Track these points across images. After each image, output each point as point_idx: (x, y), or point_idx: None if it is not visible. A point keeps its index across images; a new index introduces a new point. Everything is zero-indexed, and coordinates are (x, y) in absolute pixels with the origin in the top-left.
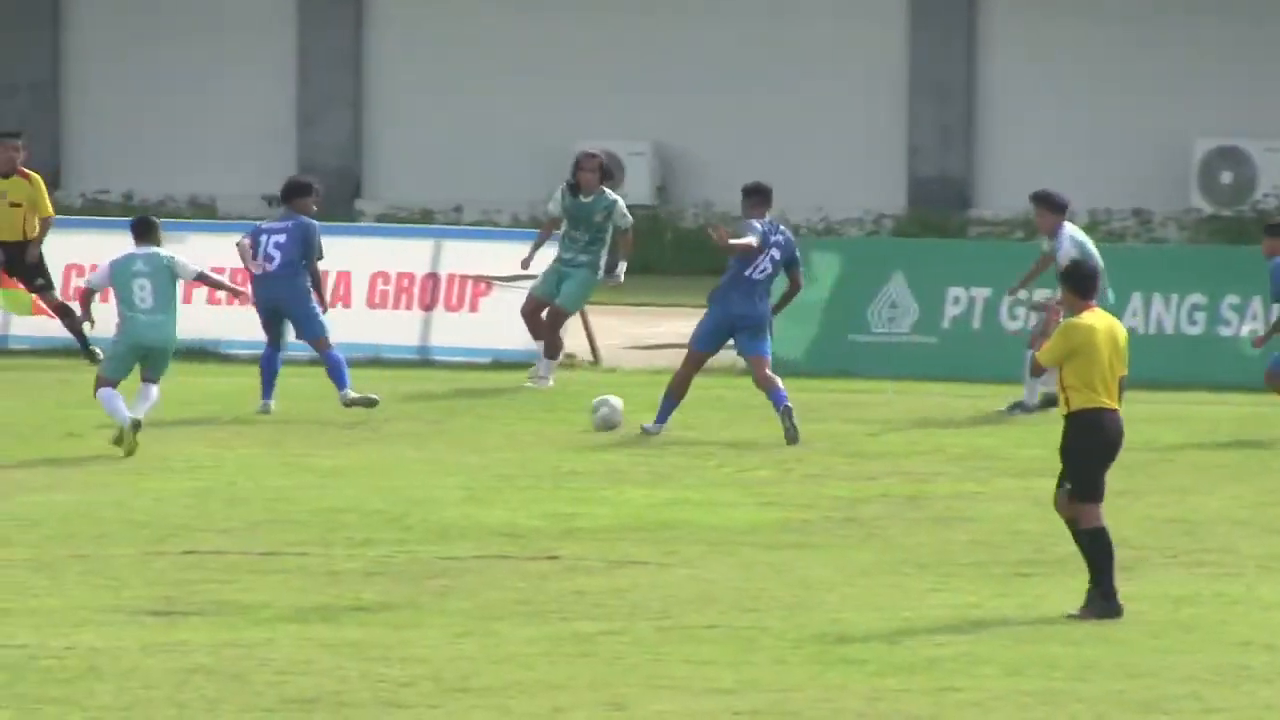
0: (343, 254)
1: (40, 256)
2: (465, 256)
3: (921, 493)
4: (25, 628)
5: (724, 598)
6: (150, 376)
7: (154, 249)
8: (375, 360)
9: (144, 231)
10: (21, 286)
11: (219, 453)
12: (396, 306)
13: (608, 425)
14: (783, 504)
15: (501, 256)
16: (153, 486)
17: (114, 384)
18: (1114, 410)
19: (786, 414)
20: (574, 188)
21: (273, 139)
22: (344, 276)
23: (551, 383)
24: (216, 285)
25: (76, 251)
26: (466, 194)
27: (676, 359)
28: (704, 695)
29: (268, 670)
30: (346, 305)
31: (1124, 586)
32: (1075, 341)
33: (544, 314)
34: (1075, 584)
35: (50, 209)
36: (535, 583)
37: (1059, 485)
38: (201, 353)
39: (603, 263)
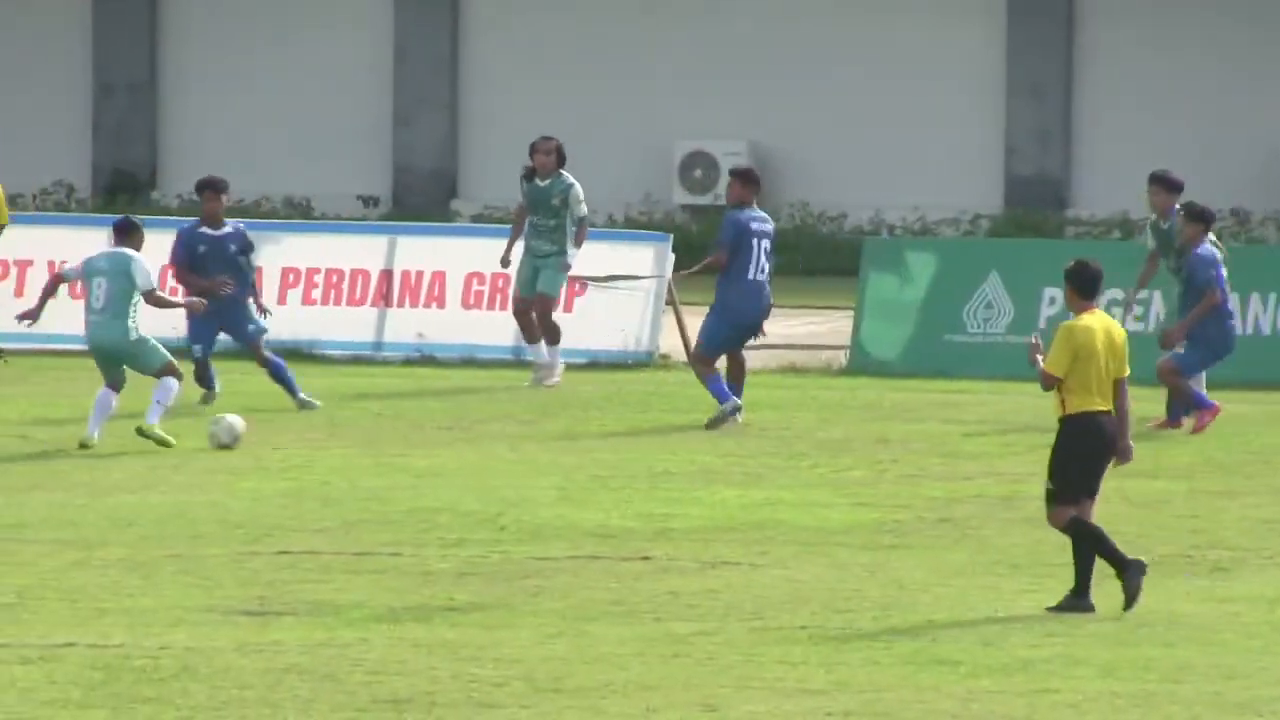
0: (438, 254)
1: None
2: None
3: (1016, 493)
4: (120, 627)
5: (817, 598)
6: (146, 374)
7: (123, 250)
8: (469, 360)
9: (123, 231)
10: None
11: (313, 453)
12: (491, 307)
13: (217, 443)
14: (876, 504)
15: (597, 257)
16: (247, 487)
17: (110, 385)
18: (1108, 412)
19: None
20: (531, 172)
21: (368, 140)
22: (439, 276)
23: (558, 377)
24: (165, 304)
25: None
26: None
27: (770, 358)
28: (796, 696)
29: (361, 670)
30: (441, 306)
31: (1220, 587)
32: (1077, 342)
33: (533, 313)
34: (1171, 584)
35: (5, 217)
36: (628, 583)
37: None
38: (296, 353)
39: (570, 248)
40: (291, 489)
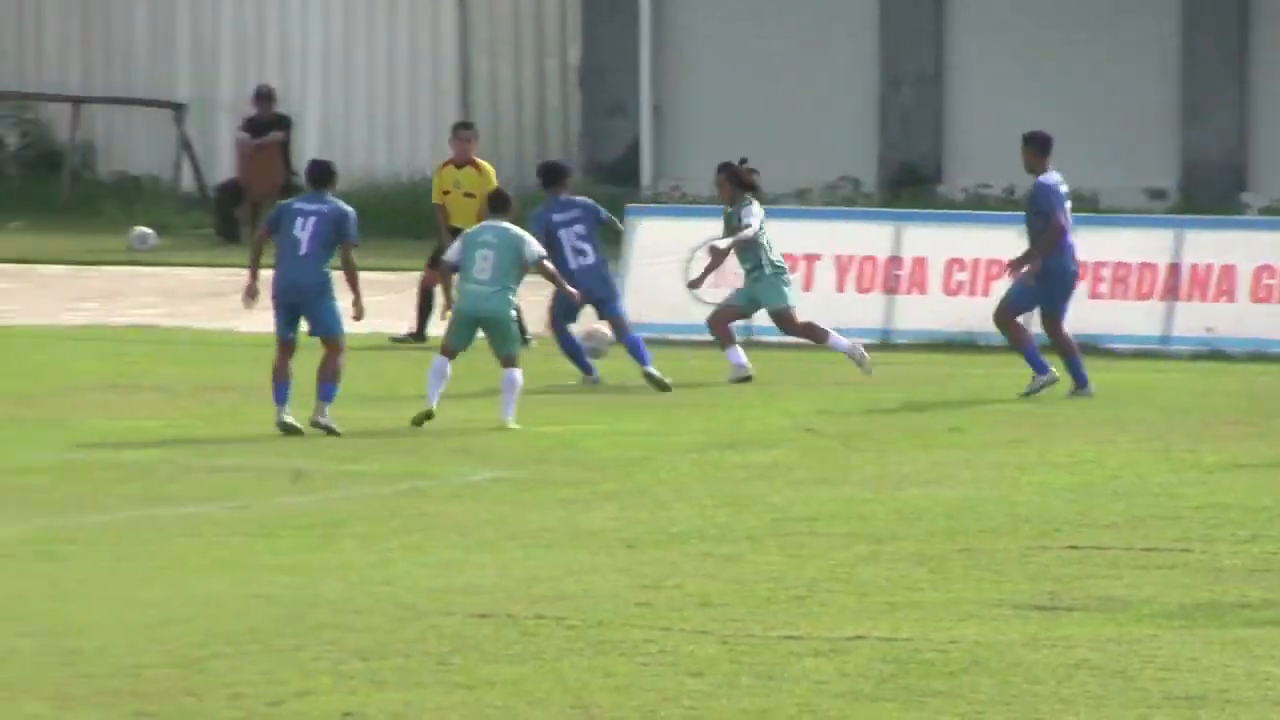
0: (1227, 247)
1: None
2: None
3: None
4: (909, 621)
5: None
6: (498, 355)
7: (505, 224)
8: (1259, 355)
9: (498, 205)
10: None
11: (1102, 448)
12: None
13: (595, 354)
14: None
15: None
16: (1035, 481)
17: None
18: None
19: None
20: None
21: (1157, 133)
22: (1228, 270)
23: (747, 370)
24: (550, 277)
25: (956, 246)
26: None
27: None
28: None
29: (1152, 667)
30: (1230, 299)
31: None
32: None
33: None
34: None
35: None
36: None
37: None
38: (1093, 348)
39: (765, 259)
40: (1079, 484)
